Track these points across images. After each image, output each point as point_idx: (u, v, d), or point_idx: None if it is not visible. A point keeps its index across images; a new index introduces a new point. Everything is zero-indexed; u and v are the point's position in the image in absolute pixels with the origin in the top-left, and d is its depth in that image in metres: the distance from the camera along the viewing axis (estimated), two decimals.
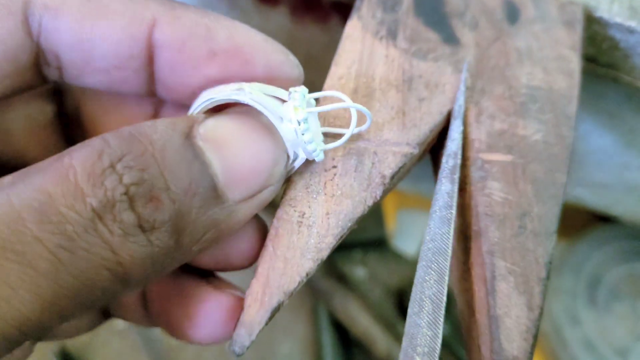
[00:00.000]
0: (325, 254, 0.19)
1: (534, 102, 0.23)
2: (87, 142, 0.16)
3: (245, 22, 0.19)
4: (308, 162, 0.20)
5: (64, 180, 0.15)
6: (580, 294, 0.50)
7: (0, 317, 0.13)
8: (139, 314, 0.23)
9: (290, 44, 0.21)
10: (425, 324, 0.17)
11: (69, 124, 0.23)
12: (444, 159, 0.21)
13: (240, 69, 0.19)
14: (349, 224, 0.19)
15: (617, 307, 0.50)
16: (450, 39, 0.24)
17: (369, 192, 0.20)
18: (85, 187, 0.15)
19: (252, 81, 0.19)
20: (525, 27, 0.24)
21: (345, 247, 0.55)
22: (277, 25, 0.32)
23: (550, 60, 0.24)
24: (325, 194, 0.20)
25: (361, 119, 0.20)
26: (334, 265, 0.54)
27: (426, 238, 0.19)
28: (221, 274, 0.22)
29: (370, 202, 0.20)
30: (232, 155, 0.17)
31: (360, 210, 0.19)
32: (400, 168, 0.20)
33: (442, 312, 0.18)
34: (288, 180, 0.20)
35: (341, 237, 0.19)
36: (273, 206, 0.20)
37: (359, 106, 0.19)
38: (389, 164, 0.20)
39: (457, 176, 0.20)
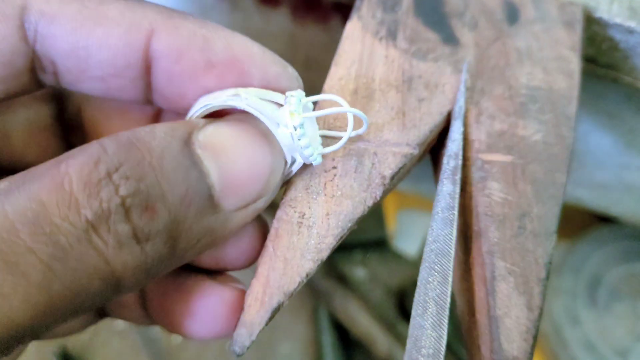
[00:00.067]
0: (325, 254, 0.19)
1: (533, 102, 0.23)
2: (84, 147, 0.16)
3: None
4: (307, 164, 0.20)
5: (59, 189, 0.14)
6: (580, 294, 0.50)
7: None
8: (138, 313, 0.23)
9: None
10: (429, 325, 0.17)
11: (70, 126, 0.23)
12: (445, 160, 0.21)
13: (237, 80, 0.19)
14: (349, 225, 0.19)
15: (617, 307, 0.50)
16: (450, 39, 0.24)
17: (369, 193, 0.20)
18: (80, 197, 0.15)
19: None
20: (525, 27, 0.24)
21: (346, 247, 0.55)
22: (277, 26, 0.32)
23: (550, 60, 0.24)
24: (325, 195, 0.20)
25: (360, 120, 0.20)
26: (334, 266, 0.54)
27: (429, 239, 0.19)
28: None
29: (370, 203, 0.20)
30: (230, 163, 0.17)
31: (360, 210, 0.19)
32: (400, 168, 0.20)
33: (447, 313, 0.18)
34: (288, 182, 0.20)
35: (341, 237, 0.19)
36: (273, 207, 0.20)
37: (356, 111, 0.19)
38: (389, 165, 0.20)
39: (458, 177, 0.20)
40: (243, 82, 0.19)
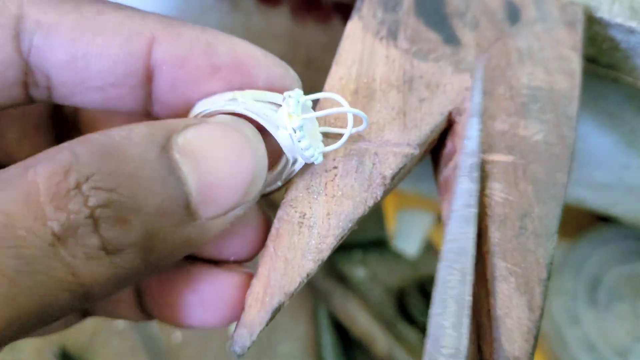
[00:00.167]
0: (326, 254, 0.19)
1: (535, 102, 0.23)
2: (54, 152, 0.15)
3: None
4: (308, 164, 0.20)
5: (26, 199, 0.14)
6: (580, 294, 0.50)
7: None
8: (133, 310, 0.22)
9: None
10: (449, 324, 0.17)
11: (66, 125, 0.23)
12: (461, 158, 0.21)
13: (241, 83, 0.19)
14: (350, 225, 0.19)
15: (617, 307, 0.50)
16: (451, 39, 0.24)
17: (369, 193, 0.20)
18: (47, 209, 0.14)
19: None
20: (526, 27, 0.24)
21: (346, 247, 0.55)
22: (278, 26, 0.32)
23: (551, 60, 0.24)
24: (326, 195, 0.20)
25: (361, 119, 0.20)
26: (334, 266, 0.54)
27: (446, 238, 0.19)
28: None
29: (370, 203, 0.20)
30: (209, 170, 0.17)
31: (360, 210, 0.19)
32: (400, 169, 0.20)
33: (467, 312, 0.17)
34: (289, 182, 0.20)
35: (342, 237, 0.19)
36: (274, 206, 0.20)
37: (355, 110, 0.19)
38: (390, 165, 0.20)
39: (476, 174, 0.20)
40: (248, 84, 0.19)
